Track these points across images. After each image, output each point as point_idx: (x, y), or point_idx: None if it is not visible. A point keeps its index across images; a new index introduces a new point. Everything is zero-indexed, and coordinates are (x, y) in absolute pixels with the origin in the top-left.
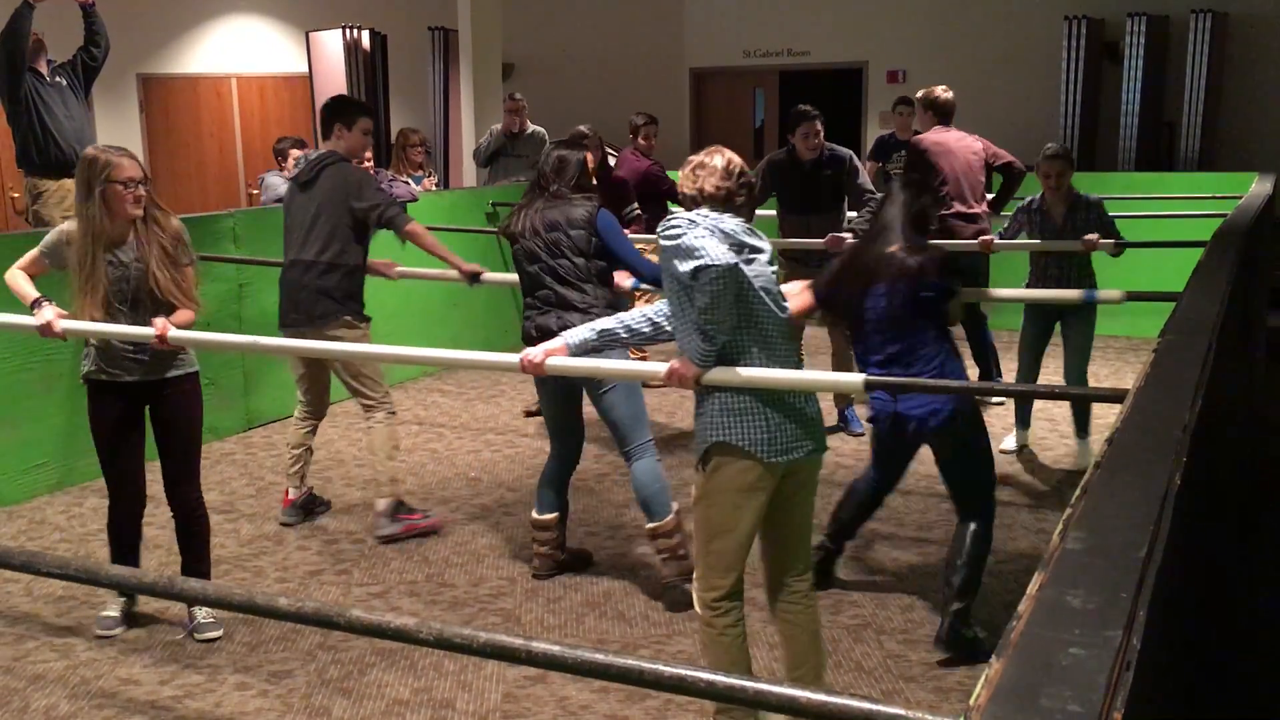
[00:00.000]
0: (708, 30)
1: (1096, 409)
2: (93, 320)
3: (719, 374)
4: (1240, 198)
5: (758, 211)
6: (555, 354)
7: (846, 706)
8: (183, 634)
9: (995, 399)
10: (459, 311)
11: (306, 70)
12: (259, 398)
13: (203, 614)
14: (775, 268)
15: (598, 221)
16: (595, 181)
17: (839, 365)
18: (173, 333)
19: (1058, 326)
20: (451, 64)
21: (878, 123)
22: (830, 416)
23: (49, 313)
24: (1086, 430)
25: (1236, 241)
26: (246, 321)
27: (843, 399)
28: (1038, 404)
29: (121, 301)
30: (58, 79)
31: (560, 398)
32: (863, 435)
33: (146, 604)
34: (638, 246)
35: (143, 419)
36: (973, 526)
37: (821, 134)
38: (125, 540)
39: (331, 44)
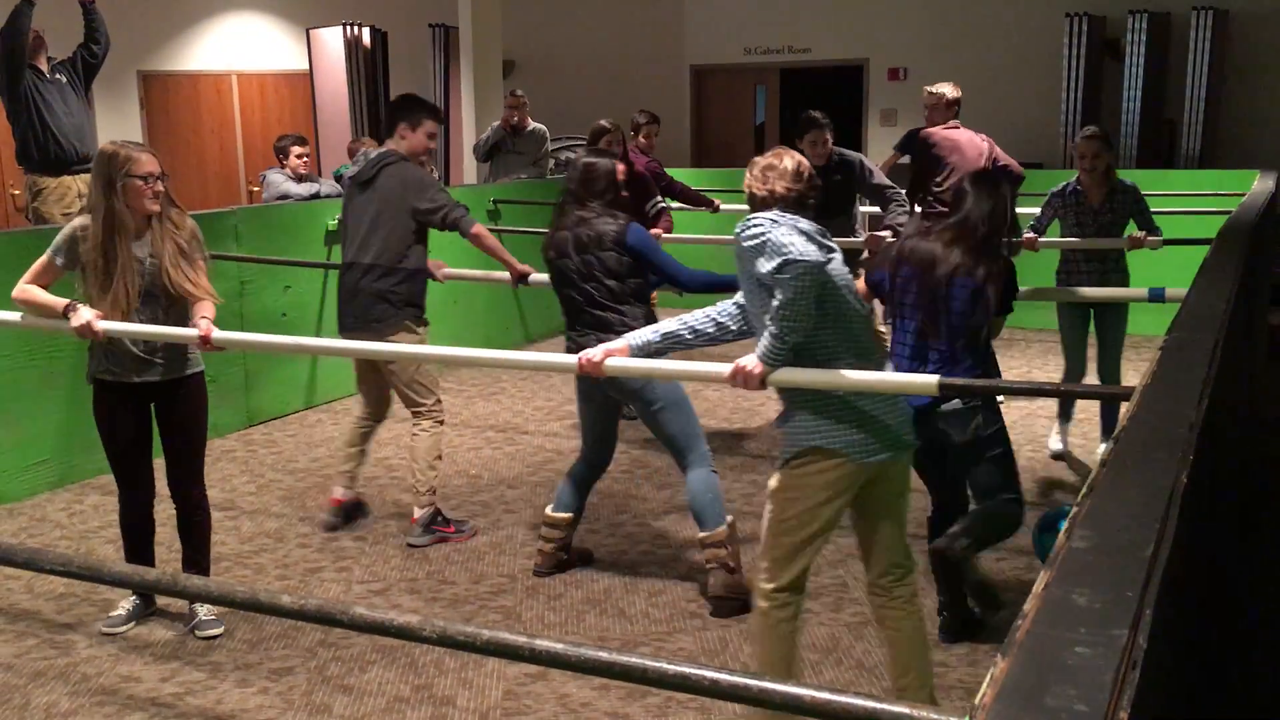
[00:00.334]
0: (708, 27)
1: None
2: (109, 318)
3: (785, 374)
4: (1241, 195)
5: None
6: (616, 354)
7: (850, 705)
8: (184, 630)
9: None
10: (459, 310)
11: (307, 67)
12: (260, 395)
13: (204, 611)
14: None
15: (627, 240)
16: (629, 170)
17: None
18: (216, 334)
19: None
20: (452, 61)
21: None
22: None
23: (87, 313)
24: (1112, 432)
25: (1242, 239)
26: (248, 320)
27: None
28: (1038, 403)
29: (135, 297)
30: (58, 76)
31: (600, 407)
32: None
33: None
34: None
35: (150, 417)
36: (995, 504)
37: (830, 142)
38: (138, 535)
39: (332, 41)
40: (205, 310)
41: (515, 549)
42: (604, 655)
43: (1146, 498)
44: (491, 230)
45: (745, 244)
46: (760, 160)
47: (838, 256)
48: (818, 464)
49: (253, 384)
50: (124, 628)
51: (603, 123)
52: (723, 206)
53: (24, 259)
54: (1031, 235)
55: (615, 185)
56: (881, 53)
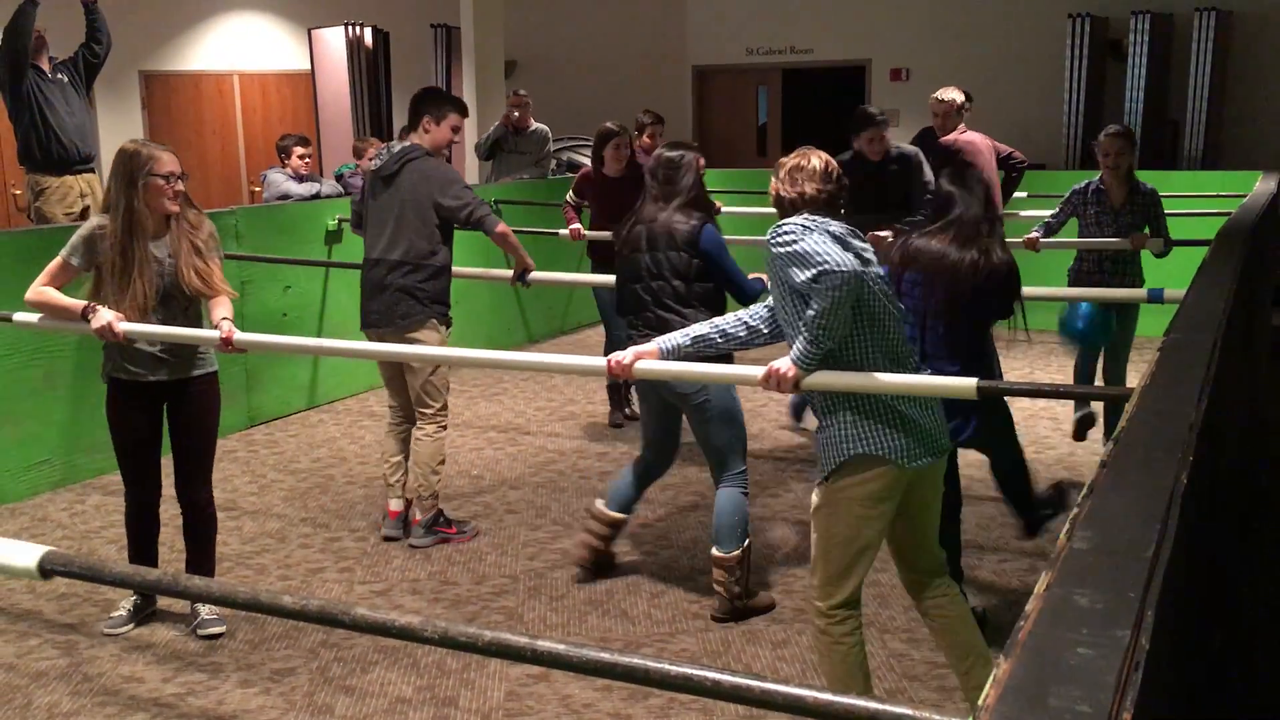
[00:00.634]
0: (710, 28)
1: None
2: (128, 317)
3: (819, 378)
4: (1244, 196)
5: None
6: (646, 357)
7: (853, 706)
8: (186, 631)
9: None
10: (461, 310)
11: (309, 67)
12: (261, 395)
13: (206, 611)
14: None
15: (700, 242)
16: (638, 173)
17: None
18: (238, 336)
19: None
20: (454, 61)
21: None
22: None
23: (107, 314)
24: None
25: (1241, 240)
26: (249, 319)
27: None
28: (1040, 404)
29: (154, 297)
30: (59, 76)
31: (659, 411)
32: None
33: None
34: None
35: (161, 416)
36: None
37: (886, 139)
38: (144, 534)
39: (334, 41)
40: (224, 310)
41: (517, 550)
42: (606, 656)
43: (1147, 498)
44: None
45: (777, 250)
46: (787, 161)
47: (872, 258)
48: (860, 474)
49: (254, 384)
50: (125, 628)
51: (610, 125)
52: (724, 208)
53: (25, 258)
54: (1034, 235)
55: (700, 181)
56: (884, 53)
